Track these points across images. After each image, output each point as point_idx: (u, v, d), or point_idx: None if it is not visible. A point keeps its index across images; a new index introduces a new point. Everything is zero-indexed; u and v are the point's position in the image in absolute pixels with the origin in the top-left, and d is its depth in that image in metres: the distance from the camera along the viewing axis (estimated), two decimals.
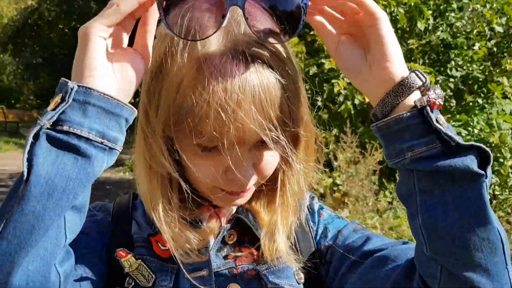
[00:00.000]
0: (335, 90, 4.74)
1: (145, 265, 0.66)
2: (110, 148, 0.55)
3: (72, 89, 0.53)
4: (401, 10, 5.06)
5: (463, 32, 5.54)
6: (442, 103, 0.56)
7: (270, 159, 0.65)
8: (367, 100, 4.94)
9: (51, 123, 0.52)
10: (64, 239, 0.54)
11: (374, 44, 0.59)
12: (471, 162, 0.53)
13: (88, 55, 0.55)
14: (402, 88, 0.57)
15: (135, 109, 0.58)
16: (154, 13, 0.59)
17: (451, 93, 5.30)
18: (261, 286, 0.70)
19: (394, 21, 5.35)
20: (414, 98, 0.57)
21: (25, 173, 0.50)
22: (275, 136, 0.60)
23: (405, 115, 0.55)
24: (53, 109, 0.53)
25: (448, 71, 5.33)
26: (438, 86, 0.58)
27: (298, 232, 0.74)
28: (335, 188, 4.60)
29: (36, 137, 0.51)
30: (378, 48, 0.58)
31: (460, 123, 4.90)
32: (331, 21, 0.62)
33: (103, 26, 0.55)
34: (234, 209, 0.74)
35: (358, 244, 0.72)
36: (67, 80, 0.55)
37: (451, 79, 5.26)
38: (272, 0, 0.59)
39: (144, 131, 0.64)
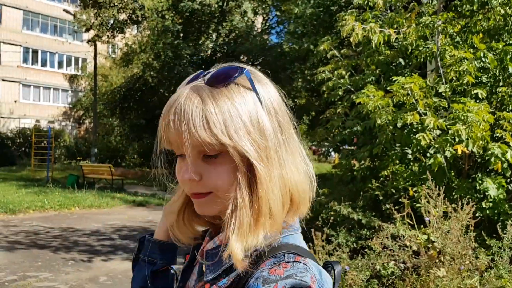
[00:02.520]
0: (423, 143, 4.63)
1: None
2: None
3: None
4: (491, 55, 4.92)
5: None
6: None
7: (216, 171, 0.76)
8: (459, 152, 4.77)
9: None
10: None
11: None
12: None
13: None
14: None
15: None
16: None
17: None
18: None
19: (483, 68, 5.18)
20: None
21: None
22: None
23: None
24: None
25: None
26: None
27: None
28: (429, 246, 4.39)
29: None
30: None
31: None
32: None
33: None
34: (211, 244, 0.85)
35: None
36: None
37: None
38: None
39: None
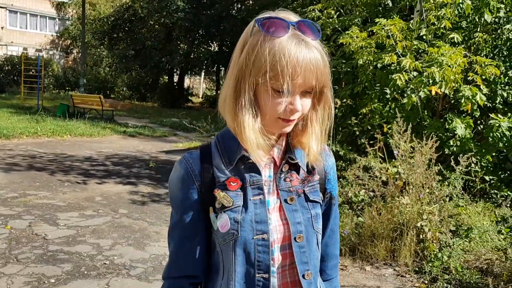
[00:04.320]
0: (399, 83, 4.95)
1: (227, 195, 1.04)
2: None
3: None
4: (468, 1, 5.14)
5: None
6: None
7: (307, 103, 1.03)
8: (433, 93, 5.13)
9: None
10: None
11: None
12: None
13: None
14: None
15: None
16: None
17: None
18: (304, 200, 1.10)
19: (461, 15, 5.43)
20: None
21: None
22: (316, 89, 1.00)
23: None
24: None
25: None
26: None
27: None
28: (397, 177, 4.84)
29: None
30: None
31: None
32: None
33: None
34: (280, 152, 1.11)
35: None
36: None
37: None
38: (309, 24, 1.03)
39: (239, 80, 1.00)
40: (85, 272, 3.82)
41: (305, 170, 1.11)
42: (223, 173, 1.05)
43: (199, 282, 1.10)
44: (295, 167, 1.10)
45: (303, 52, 0.96)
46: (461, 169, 4.52)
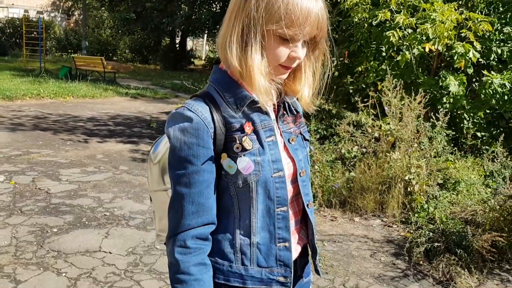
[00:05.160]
0: (393, 40, 4.99)
1: (248, 138, 1.08)
2: None
3: None
4: None
5: None
6: None
7: (305, 52, 1.09)
8: (427, 50, 5.16)
9: None
10: None
11: None
12: None
13: None
14: None
15: None
16: None
17: None
18: (301, 139, 1.22)
19: None
20: None
21: None
22: (318, 39, 1.07)
23: None
24: None
25: None
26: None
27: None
28: (388, 133, 4.95)
29: None
30: None
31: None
32: None
33: None
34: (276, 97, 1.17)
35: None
36: None
37: None
38: None
39: (247, 25, 1.03)
40: (86, 223, 4.02)
41: (295, 113, 1.21)
42: (234, 118, 1.08)
43: (213, 229, 1.12)
44: (289, 110, 1.20)
45: (313, 3, 1.02)
46: (441, 124, 4.62)
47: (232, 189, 1.09)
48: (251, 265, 1.11)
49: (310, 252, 1.27)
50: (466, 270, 3.36)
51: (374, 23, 5.51)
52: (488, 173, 5.00)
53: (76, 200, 4.56)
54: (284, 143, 1.16)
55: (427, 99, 4.66)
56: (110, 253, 3.49)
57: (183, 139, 1.05)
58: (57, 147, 6.67)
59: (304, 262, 1.26)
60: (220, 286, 1.11)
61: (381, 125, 5.04)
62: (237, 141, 1.07)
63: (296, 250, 1.19)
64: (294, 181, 1.16)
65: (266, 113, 1.12)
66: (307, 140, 1.24)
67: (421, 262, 3.56)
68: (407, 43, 5.38)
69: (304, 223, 1.23)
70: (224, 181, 1.09)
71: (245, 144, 1.07)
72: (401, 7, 5.32)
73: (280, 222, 1.12)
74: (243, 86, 1.10)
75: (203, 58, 32.79)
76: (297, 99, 1.19)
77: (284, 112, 1.18)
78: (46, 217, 4.09)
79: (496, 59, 5.72)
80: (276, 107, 1.17)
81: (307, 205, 1.19)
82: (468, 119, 5.84)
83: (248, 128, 1.08)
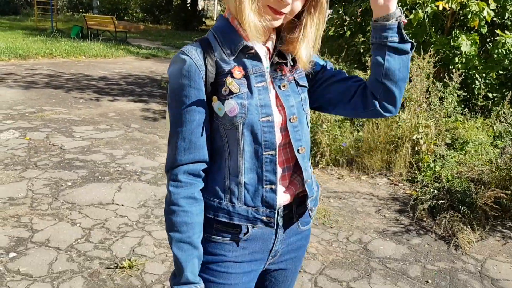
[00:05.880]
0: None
1: (234, 82, 1.11)
2: None
3: None
4: None
5: None
6: (405, 21, 1.14)
7: (299, 5, 1.10)
8: (440, 8, 5.07)
9: None
10: None
11: None
12: (409, 47, 1.14)
13: None
14: (393, 14, 1.12)
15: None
16: None
17: None
18: (295, 85, 1.21)
19: None
20: (396, 15, 1.12)
21: None
22: None
23: (393, 22, 1.12)
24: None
25: None
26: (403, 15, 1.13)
27: None
28: None
29: None
30: None
31: None
32: None
33: None
34: (273, 45, 1.19)
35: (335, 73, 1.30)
36: None
37: None
38: None
39: None
40: (99, 177, 4.15)
41: (292, 63, 1.21)
42: (226, 62, 1.11)
43: (206, 168, 1.16)
44: (284, 58, 1.20)
45: None
46: (454, 85, 4.59)
47: (222, 131, 1.14)
48: (239, 203, 1.16)
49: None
50: (468, 226, 3.43)
51: None
52: (497, 134, 5.00)
53: (89, 156, 4.68)
54: (275, 89, 1.17)
55: (437, 58, 4.61)
56: (122, 205, 3.61)
57: (177, 81, 1.11)
58: (70, 105, 6.77)
59: (302, 211, 1.28)
60: (209, 220, 1.18)
61: None
62: (225, 85, 1.11)
63: (285, 195, 1.22)
64: (284, 129, 1.18)
65: (259, 60, 1.14)
66: (304, 86, 1.24)
67: (424, 219, 3.64)
68: (420, 1, 5.28)
69: (300, 170, 1.24)
70: (216, 123, 1.14)
71: (231, 87, 1.10)
72: None
73: (268, 165, 1.16)
74: (240, 33, 1.12)
75: (215, 18, 32.34)
76: (296, 58, 1.19)
77: (278, 60, 1.18)
78: (61, 171, 4.22)
79: (511, 18, 5.60)
80: (270, 55, 1.19)
81: (298, 150, 1.21)
82: (480, 79, 5.78)
83: (238, 72, 1.11)
